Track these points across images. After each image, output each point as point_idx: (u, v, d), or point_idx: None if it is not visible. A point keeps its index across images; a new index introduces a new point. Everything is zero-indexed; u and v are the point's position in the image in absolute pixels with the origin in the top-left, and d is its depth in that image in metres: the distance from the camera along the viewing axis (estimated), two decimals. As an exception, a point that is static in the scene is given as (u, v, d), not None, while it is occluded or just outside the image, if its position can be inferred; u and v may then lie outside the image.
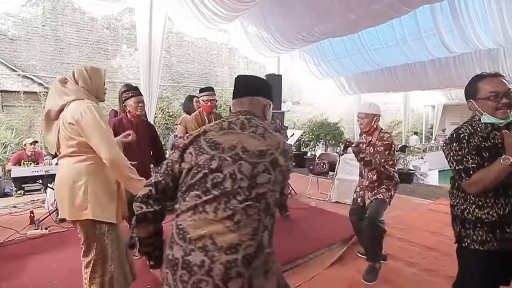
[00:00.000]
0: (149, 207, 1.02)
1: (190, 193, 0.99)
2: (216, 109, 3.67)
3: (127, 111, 2.67)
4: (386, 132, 2.48)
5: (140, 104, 2.65)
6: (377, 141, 2.44)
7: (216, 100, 3.23)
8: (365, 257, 2.67)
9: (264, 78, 6.91)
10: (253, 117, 1.12)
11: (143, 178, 1.61)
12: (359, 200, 2.63)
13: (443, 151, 1.50)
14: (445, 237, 3.34)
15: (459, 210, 1.52)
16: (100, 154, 1.56)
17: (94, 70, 1.73)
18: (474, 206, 1.41)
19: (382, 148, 2.37)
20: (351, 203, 4.51)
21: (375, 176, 2.48)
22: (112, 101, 7.71)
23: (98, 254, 1.63)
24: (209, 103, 3.11)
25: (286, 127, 3.98)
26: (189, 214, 0.96)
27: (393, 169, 2.51)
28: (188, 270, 0.90)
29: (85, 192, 1.58)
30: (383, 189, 2.46)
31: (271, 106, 1.23)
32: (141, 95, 2.74)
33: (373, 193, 2.50)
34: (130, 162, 1.69)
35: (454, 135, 1.42)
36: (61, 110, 1.64)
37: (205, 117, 3.19)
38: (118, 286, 1.66)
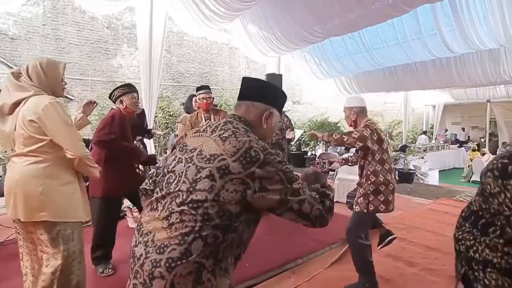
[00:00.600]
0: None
1: (154, 190, 1.07)
2: (216, 107, 3.68)
3: (122, 108, 2.52)
4: (369, 124, 2.22)
5: (137, 100, 2.62)
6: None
7: (212, 98, 3.23)
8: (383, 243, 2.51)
9: (265, 77, 6.94)
10: (236, 121, 1.06)
11: (97, 165, 1.69)
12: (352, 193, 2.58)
13: (486, 183, 1.08)
14: (446, 237, 3.34)
15: (463, 246, 1.15)
16: (67, 152, 1.53)
17: (50, 65, 1.60)
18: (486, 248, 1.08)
19: (362, 131, 2.14)
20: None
21: (360, 169, 2.38)
22: (113, 100, 7.73)
23: (65, 258, 1.55)
24: (205, 101, 3.13)
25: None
26: (147, 209, 1.03)
27: (377, 167, 2.22)
28: (133, 259, 0.96)
29: (42, 194, 1.50)
30: (361, 198, 2.25)
31: (273, 113, 1.13)
32: (137, 91, 2.66)
33: (358, 193, 2.33)
34: None
35: None
36: (17, 104, 1.53)
37: (202, 115, 3.20)
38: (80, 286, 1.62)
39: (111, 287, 2.27)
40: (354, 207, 2.32)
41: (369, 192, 2.21)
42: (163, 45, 5.23)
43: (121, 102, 2.51)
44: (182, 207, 0.92)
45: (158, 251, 0.90)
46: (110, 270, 2.42)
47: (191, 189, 0.93)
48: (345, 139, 2.14)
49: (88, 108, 2.09)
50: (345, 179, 4.73)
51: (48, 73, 1.58)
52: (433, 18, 5.42)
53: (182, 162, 1.00)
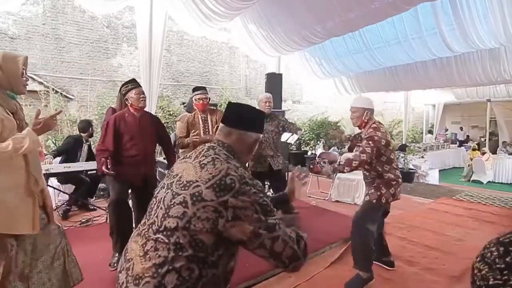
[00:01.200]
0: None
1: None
2: (216, 107, 3.67)
3: (129, 105, 2.61)
4: (378, 126, 2.26)
5: (141, 96, 2.60)
6: (366, 134, 2.26)
7: (209, 99, 3.24)
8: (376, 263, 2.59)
9: (265, 77, 6.91)
10: (219, 148, 1.05)
11: (23, 134, 1.39)
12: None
13: None
14: (446, 236, 3.34)
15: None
16: None
17: (7, 58, 1.47)
18: None
19: (364, 141, 2.20)
20: (351, 202, 4.57)
21: (366, 172, 2.37)
22: (112, 99, 7.71)
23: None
24: (201, 101, 3.13)
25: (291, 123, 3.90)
26: (135, 234, 1.02)
27: (385, 167, 2.27)
28: (117, 285, 0.95)
29: None
30: (372, 190, 2.31)
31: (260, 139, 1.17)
32: (140, 86, 2.69)
33: (368, 191, 2.37)
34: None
35: None
36: None
37: (199, 115, 3.20)
38: None
39: (111, 285, 2.25)
40: (364, 197, 2.39)
41: (381, 185, 2.27)
42: (163, 44, 5.22)
43: (127, 99, 2.58)
44: (157, 235, 0.91)
45: (134, 282, 0.88)
46: (116, 265, 2.42)
47: (165, 215, 0.92)
48: (347, 171, 2.20)
49: (50, 122, 1.58)
50: (345, 178, 4.73)
51: (5, 67, 1.45)
52: (433, 17, 5.41)
53: (164, 188, 1.01)
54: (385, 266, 2.61)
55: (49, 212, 1.66)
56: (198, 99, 3.15)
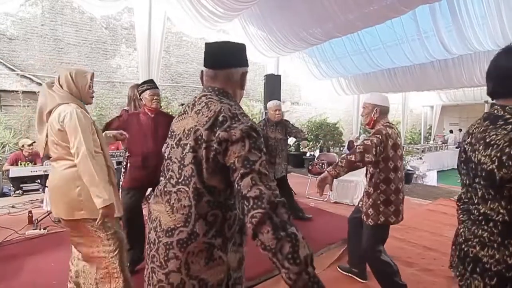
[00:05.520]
0: None
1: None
2: None
3: (143, 105, 2.57)
4: (389, 125, 2.04)
5: (155, 97, 2.55)
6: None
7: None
8: (345, 273, 2.56)
9: (264, 78, 6.91)
10: (209, 93, 1.03)
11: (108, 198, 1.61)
12: (360, 204, 2.33)
13: None
14: (444, 237, 3.35)
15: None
16: (73, 153, 1.61)
17: (79, 73, 1.75)
18: None
19: (369, 140, 1.95)
20: (349, 203, 4.57)
21: (369, 177, 2.12)
22: (111, 100, 7.71)
23: (110, 245, 1.71)
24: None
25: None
26: (153, 196, 1.08)
27: (390, 174, 2.03)
28: (149, 245, 1.02)
29: (80, 195, 1.64)
30: (370, 210, 2.06)
31: (247, 71, 1.10)
32: (157, 88, 2.64)
33: (366, 204, 2.12)
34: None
35: None
36: (50, 112, 1.69)
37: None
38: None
39: None
40: (365, 221, 2.11)
41: (378, 202, 2.03)
42: (162, 45, 5.23)
43: (141, 100, 2.60)
44: (177, 186, 0.96)
45: (167, 234, 0.94)
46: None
47: (181, 166, 0.96)
48: (353, 159, 1.88)
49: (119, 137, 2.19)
50: (344, 179, 4.73)
51: (78, 81, 1.73)
52: (432, 19, 5.44)
53: (173, 148, 1.04)
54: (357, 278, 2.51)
55: None
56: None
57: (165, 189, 1.01)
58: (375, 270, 2.15)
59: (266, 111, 3.54)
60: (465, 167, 1.04)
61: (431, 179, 7.75)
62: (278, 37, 6.11)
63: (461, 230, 1.06)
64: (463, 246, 1.03)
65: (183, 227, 0.93)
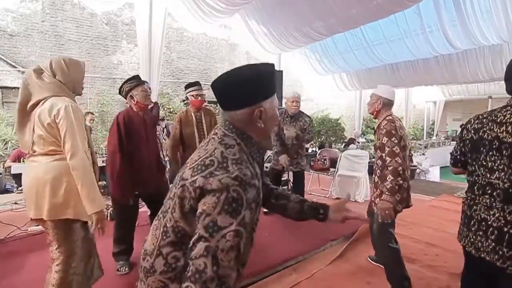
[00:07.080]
0: None
1: None
2: (217, 105, 3.59)
3: (133, 103, 2.38)
4: (393, 118, 2.15)
5: (148, 92, 2.44)
6: (381, 126, 2.16)
7: (205, 95, 3.05)
8: (377, 264, 2.60)
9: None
10: (223, 129, 0.90)
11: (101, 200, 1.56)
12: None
13: None
14: (447, 233, 3.33)
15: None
16: (67, 155, 1.50)
17: (73, 62, 1.65)
18: None
19: (385, 138, 2.06)
20: (351, 199, 4.56)
21: (378, 170, 2.19)
22: (112, 97, 7.71)
23: (65, 252, 1.58)
24: (199, 98, 2.94)
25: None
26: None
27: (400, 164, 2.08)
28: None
29: (67, 191, 1.51)
30: (378, 199, 2.13)
31: (265, 109, 0.88)
32: (146, 82, 2.53)
33: (374, 194, 2.24)
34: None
35: None
36: (36, 104, 1.54)
37: (193, 114, 2.99)
38: (78, 284, 1.62)
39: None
40: (374, 209, 2.18)
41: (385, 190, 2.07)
42: (163, 41, 5.20)
43: (132, 97, 2.36)
44: (160, 215, 0.92)
45: (144, 257, 0.91)
46: (126, 269, 2.36)
47: (170, 195, 0.90)
48: (394, 181, 1.99)
49: None
50: (346, 175, 4.72)
51: (72, 69, 1.63)
52: (435, 14, 5.37)
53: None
54: None
55: None
56: (196, 95, 2.95)
57: (161, 209, 0.95)
58: (383, 255, 2.24)
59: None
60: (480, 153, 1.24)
61: (434, 175, 7.73)
62: (280, 32, 6.06)
63: (496, 215, 1.21)
64: (505, 229, 1.17)
65: (149, 257, 0.88)
